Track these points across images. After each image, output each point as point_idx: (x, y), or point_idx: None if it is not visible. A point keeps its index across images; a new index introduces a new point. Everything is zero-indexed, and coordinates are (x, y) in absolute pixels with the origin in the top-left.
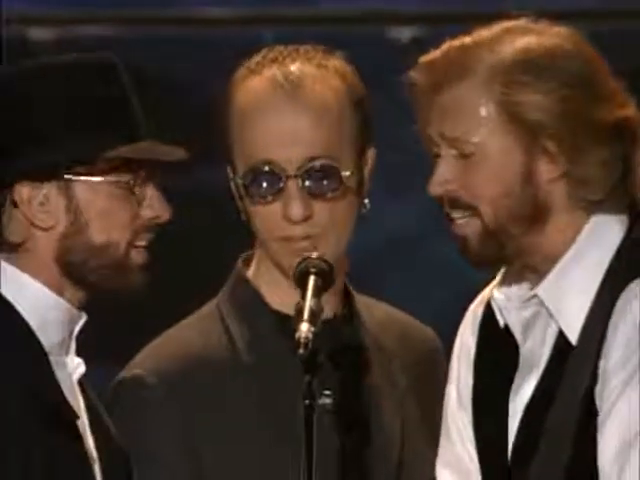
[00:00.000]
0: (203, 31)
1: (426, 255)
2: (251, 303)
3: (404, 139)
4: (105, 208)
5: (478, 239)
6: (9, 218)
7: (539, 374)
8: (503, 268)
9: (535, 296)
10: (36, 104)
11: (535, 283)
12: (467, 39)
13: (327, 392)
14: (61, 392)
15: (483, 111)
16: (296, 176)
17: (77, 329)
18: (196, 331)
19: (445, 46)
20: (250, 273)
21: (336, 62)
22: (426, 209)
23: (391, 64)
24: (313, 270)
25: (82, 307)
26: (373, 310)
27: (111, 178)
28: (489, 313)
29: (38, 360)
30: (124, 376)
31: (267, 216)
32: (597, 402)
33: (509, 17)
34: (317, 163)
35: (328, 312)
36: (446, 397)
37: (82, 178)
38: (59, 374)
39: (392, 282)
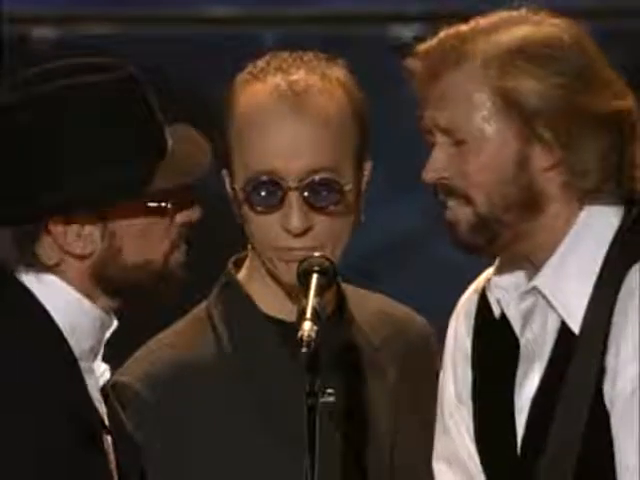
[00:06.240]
0: (203, 31)
1: (427, 255)
2: (241, 306)
3: (406, 139)
4: (141, 231)
5: (469, 226)
6: (41, 245)
7: (543, 366)
8: (497, 259)
9: (533, 287)
10: (67, 135)
11: (531, 274)
12: (463, 27)
13: (330, 391)
14: (92, 404)
15: (477, 97)
16: (297, 188)
17: (107, 335)
18: (185, 335)
19: (441, 34)
20: (241, 276)
21: (339, 72)
22: (427, 209)
23: (392, 63)
24: (316, 269)
25: (115, 313)
26: (365, 304)
27: (150, 204)
28: (483, 304)
29: (68, 371)
30: (112, 383)
31: (266, 226)
32: (607, 399)
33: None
34: (319, 176)
35: None
36: (441, 391)
37: (118, 207)
38: (87, 381)
39: (392, 282)
